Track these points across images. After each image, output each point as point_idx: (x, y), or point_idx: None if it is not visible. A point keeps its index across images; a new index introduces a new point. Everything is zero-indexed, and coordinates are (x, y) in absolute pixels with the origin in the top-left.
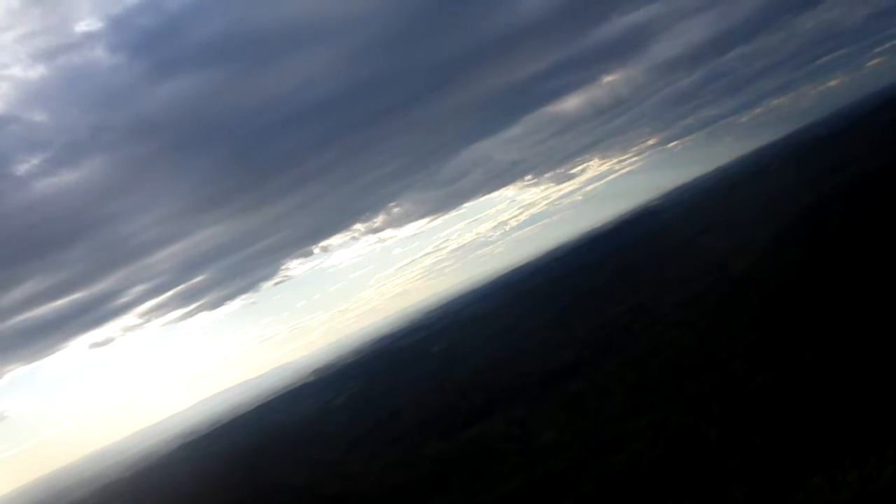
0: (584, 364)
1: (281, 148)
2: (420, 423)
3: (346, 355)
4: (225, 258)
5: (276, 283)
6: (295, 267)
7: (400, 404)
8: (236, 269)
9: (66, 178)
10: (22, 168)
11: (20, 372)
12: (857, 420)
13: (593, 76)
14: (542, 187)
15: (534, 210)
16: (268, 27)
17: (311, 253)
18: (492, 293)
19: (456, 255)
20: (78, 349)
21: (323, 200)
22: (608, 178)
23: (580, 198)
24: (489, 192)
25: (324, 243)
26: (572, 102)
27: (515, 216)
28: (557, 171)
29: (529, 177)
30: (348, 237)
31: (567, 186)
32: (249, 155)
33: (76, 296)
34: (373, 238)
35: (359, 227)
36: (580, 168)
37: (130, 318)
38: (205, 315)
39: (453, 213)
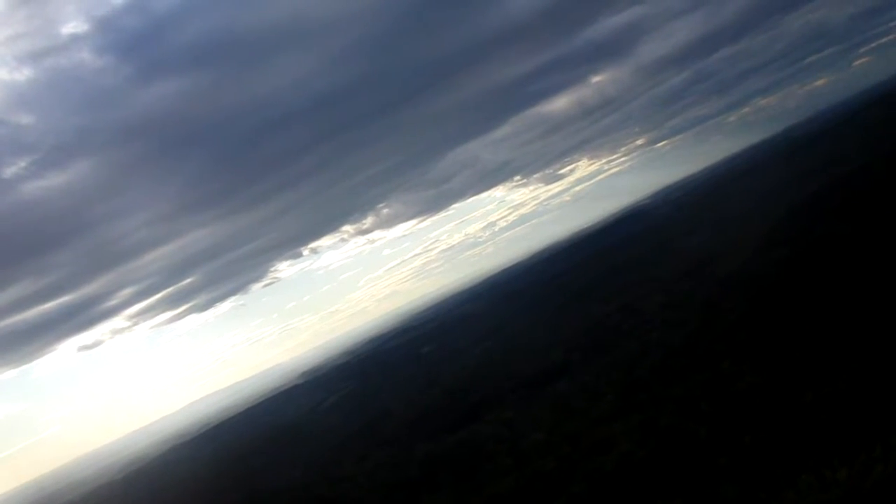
0: (574, 364)
1: (269, 150)
2: (410, 425)
3: (336, 357)
4: (214, 260)
5: (266, 285)
6: (284, 269)
7: (390, 406)
8: (225, 272)
9: (54, 180)
10: (9, 171)
11: (9, 375)
12: (846, 418)
13: (581, 77)
14: (531, 188)
15: (523, 210)
16: (255, 28)
17: (300, 254)
18: (481, 294)
19: (445, 255)
20: (67, 352)
21: (311, 202)
22: (597, 179)
23: (569, 198)
24: (478, 192)
25: (313, 245)
26: (561, 103)
27: (504, 217)
28: (546, 171)
29: (518, 177)
30: (337, 238)
31: (556, 187)
32: (237, 157)
33: (65, 299)
34: (362, 239)
35: (348, 228)
36: (569, 168)
37: (119, 320)
38: (194, 317)
39: (442, 214)
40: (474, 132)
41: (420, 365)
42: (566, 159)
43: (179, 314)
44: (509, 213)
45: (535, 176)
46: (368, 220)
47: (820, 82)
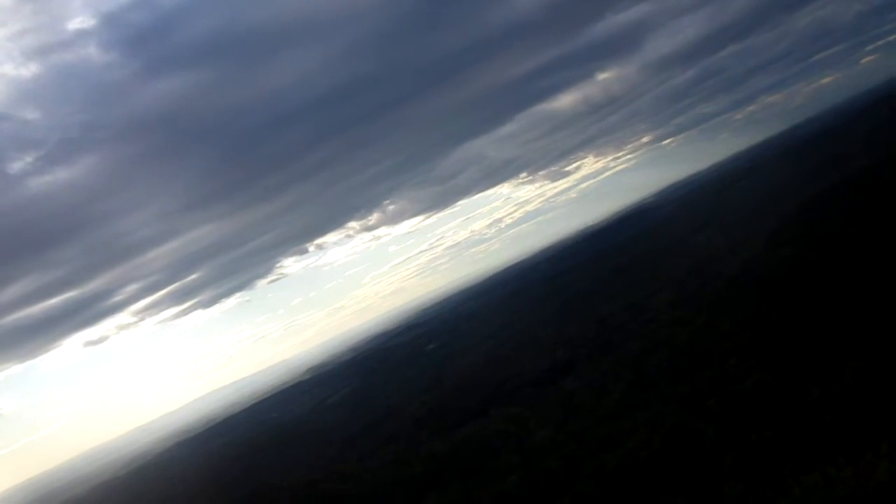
0: (580, 362)
1: (275, 146)
2: (415, 422)
3: (341, 353)
4: (219, 256)
5: (271, 281)
6: (290, 265)
7: (395, 402)
8: (231, 268)
9: (60, 176)
10: (15, 166)
11: (14, 370)
12: (852, 417)
13: (588, 74)
14: (537, 185)
15: (529, 207)
16: (261, 24)
17: (305, 251)
18: (486, 291)
19: (451, 252)
20: (72, 347)
21: (317, 198)
22: (603, 176)
23: (575, 195)
24: (484, 189)
25: (318, 241)
26: (567, 100)
27: (510, 214)
28: (552, 168)
29: (524, 174)
30: (343, 235)
31: (562, 184)
32: (243, 153)
33: (70, 294)
34: (367, 236)
35: (353, 224)
36: (575, 165)
37: (125, 316)
38: (199, 313)
39: (448, 211)
40: (480, 129)
41: (425, 362)
42: (572, 156)
43: (185, 310)
44: (515, 210)
45: (541, 173)
46: (374, 217)
47: (827, 80)
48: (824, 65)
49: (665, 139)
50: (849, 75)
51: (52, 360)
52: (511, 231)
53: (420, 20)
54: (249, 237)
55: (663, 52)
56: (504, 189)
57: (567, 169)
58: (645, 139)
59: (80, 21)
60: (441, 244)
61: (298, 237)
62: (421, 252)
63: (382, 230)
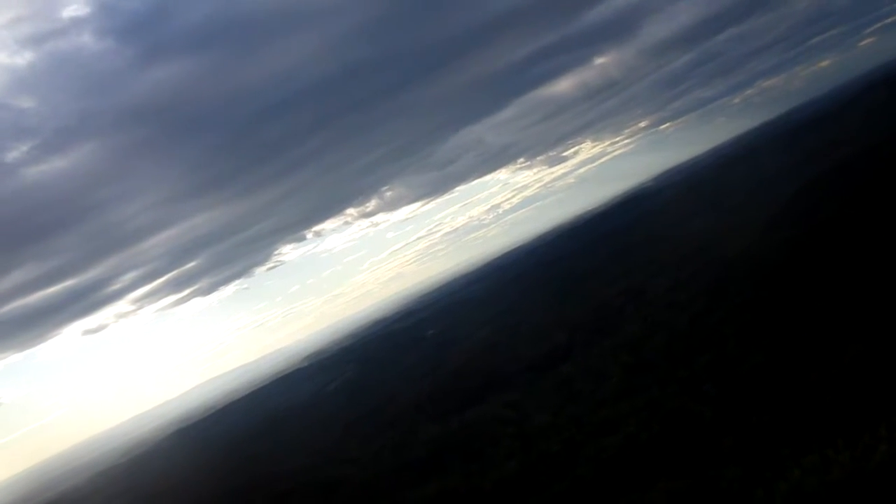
0: (578, 347)
1: (272, 132)
2: (415, 407)
3: (341, 340)
4: (217, 244)
5: (270, 269)
6: (288, 252)
7: (394, 388)
8: (229, 255)
9: (56, 164)
10: (10, 155)
11: (14, 359)
12: (850, 399)
13: (585, 58)
14: (535, 170)
15: (527, 193)
16: (257, 11)
17: (303, 238)
18: (485, 276)
19: (449, 238)
20: (71, 336)
21: (315, 185)
22: (601, 161)
23: (573, 180)
24: (482, 175)
25: (316, 228)
26: (564, 85)
27: (508, 199)
28: (550, 153)
29: (522, 160)
30: (341, 222)
31: (560, 169)
32: (241, 140)
33: (68, 283)
34: (366, 222)
35: (351, 211)
36: (573, 150)
37: (123, 304)
38: (198, 301)
39: (446, 197)
40: (478, 114)
41: (424, 348)
42: (570, 142)
43: (183, 298)
44: (513, 196)
45: (538, 158)
46: (372, 203)
47: (825, 63)
48: (822, 48)
49: (663, 124)
50: (847, 58)
51: (52, 348)
52: (509, 217)
53: (417, 5)
54: (247, 224)
55: (661, 36)
56: (502, 175)
57: (565, 154)
58: (643, 124)
59: (74, 8)
60: (439, 230)
61: (296, 224)
62: (419, 238)
63: (380, 217)
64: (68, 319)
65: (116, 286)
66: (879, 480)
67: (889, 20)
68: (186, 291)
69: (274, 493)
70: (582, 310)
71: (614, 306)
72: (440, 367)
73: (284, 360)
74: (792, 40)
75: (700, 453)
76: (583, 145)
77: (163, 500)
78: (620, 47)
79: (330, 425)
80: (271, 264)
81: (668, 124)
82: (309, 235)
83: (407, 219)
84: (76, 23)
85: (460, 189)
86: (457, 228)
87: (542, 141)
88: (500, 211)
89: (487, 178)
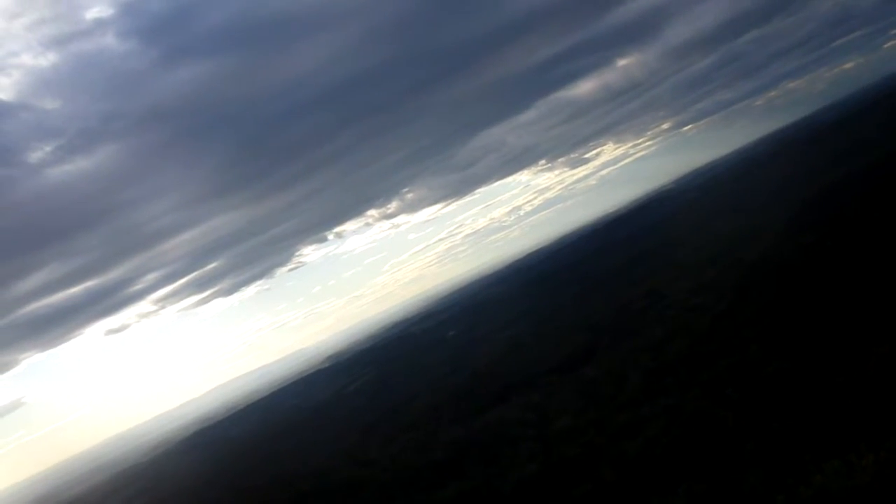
0: (599, 349)
1: (294, 134)
2: (435, 409)
3: (361, 341)
4: (239, 244)
5: (291, 270)
6: (309, 253)
7: (415, 390)
8: (250, 256)
9: (79, 165)
10: (34, 156)
11: (37, 359)
12: (874, 404)
13: (607, 60)
14: (557, 172)
15: (548, 195)
16: (280, 12)
17: (325, 239)
18: (506, 278)
19: (470, 240)
20: (93, 336)
21: (336, 186)
22: (623, 163)
23: (594, 182)
24: (503, 177)
25: (338, 229)
26: (586, 86)
27: (530, 201)
28: (571, 155)
29: (543, 161)
30: (362, 223)
31: (581, 171)
32: (263, 141)
33: (91, 283)
34: (387, 224)
35: (373, 212)
36: (594, 152)
37: (145, 304)
38: (219, 301)
39: (467, 199)
40: (500, 116)
41: (445, 349)
42: (592, 143)
43: (205, 298)
44: (534, 198)
45: (560, 160)
46: (393, 205)
47: (848, 65)
48: (846, 50)
49: (685, 125)
50: (871, 60)
51: (74, 348)
52: (531, 218)
53: (438, 6)
54: (269, 225)
55: (683, 37)
56: (523, 176)
57: (587, 156)
58: (665, 125)
59: (98, 10)
60: (460, 232)
61: (318, 225)
62: (440, 240)
63: (402, 218)
64: (91, 319)
65: (138, 286)
66: None
67: None
68: (208, 292)
69: (293, 494)
70: (603, 312)
71: (636, 309)
72: (461, 369)
73: (305, 361)
74: (815, 42)
75: (721, 457)
76: (605, 147)
77: (183, 499)
78: (643, 49)
79: (350, 426)
80: (292, 265)
81: (690, 126)
82: (330, 237)
83: (428, 220)
84: (99, 24)
85: (482, 191)
86: (478, 230)
87: (564, 143)
88: (522, 213)
89: (509, 179)
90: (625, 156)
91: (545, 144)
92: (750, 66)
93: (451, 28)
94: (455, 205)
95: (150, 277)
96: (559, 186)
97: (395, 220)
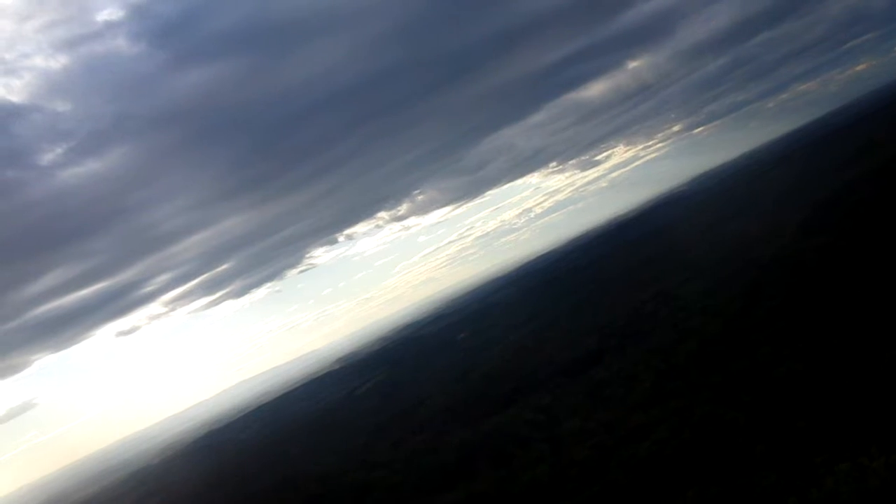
0: (610, 351)
1: (304, 136)
2: (445, 411)
3: (372, 343)
4: (250, 246)
5: (301, 271)
6: (320, 255)
7: (425, 392)
8: (261, 258)
9: (90, 167)
10: (46, 158)
11: (48, 360)
12: (885, 406)
13: (618, 62)
14: (567, 174)
15: (559, 197)
16: (289, 15)
17: (335, 241)
18: (517, 281)
19: (481, 242)
20: (105, 337)
21: (347, 188)
22: (633, 165)
23: (605, 184)
24: (513, 179)
25: (348, 231)
26: (597, 89)
27: (540, 203)
28: (582, 157)
29: (554, 164)
30: (373, 225)
31: (592, 173)
32: (273, 143)
33: (102, 285)
34: (397, 226)
35: (383, 214)
36: (605, 154)
37: (156, 306)
38: (230, 303)
39: (478, 201)
40: (510, 118)
41: (455, 351)
42: (602, 145)
43: (215, 300)
44: (545, 200)
45: (570, 162)
46: (404, 207)
47: (860, 67)
48: (858, 52)
49: (696, 128)
50: (883, 62)
51: (86, 350)
52: (541, 221)
53: (448, 8)
54: (279, 227)
55: (694, 39)
56: (534, 179)
57: (597, 158)
58: (676, 128)
59: (108, 12)
60: (471, 234)
61: (328, 227)
62: (450, 242)
63: (412, 220)
64: (102, 321)
65: (150, 288)
66: None
67: None
68: (219, 294)
69: (304, 496)
70: (614, 314)
71: (647, 311)
72: (471, 371)
73: (316, 363)
74: (827, 44)
75: (732, 460)
76: (615, 149)
77: (195, 500)
78: (654, 51)
79: (361, 428)
80: (303, 267)
81: (701, 128)
82: (341, 238)
83: (438, 222)
84: (110, 27)
85: (492, 193)
86: (488, 232)
87: (575, 145)
88: (532, 215)
89: (519, 181)
90: (635, 158)
91: (556, 147)
92: (761, 69)
93: (460, 31)
94: (465, 207)
95: (161, 279)
96: (570, 189)
97: (406, 223)
